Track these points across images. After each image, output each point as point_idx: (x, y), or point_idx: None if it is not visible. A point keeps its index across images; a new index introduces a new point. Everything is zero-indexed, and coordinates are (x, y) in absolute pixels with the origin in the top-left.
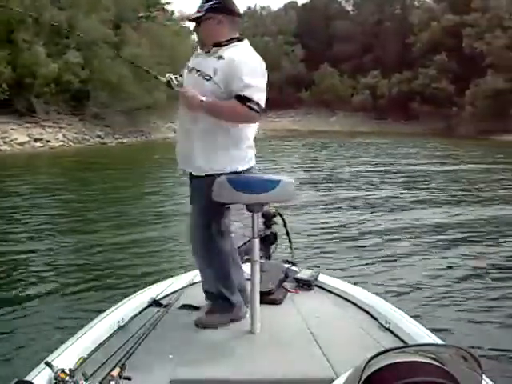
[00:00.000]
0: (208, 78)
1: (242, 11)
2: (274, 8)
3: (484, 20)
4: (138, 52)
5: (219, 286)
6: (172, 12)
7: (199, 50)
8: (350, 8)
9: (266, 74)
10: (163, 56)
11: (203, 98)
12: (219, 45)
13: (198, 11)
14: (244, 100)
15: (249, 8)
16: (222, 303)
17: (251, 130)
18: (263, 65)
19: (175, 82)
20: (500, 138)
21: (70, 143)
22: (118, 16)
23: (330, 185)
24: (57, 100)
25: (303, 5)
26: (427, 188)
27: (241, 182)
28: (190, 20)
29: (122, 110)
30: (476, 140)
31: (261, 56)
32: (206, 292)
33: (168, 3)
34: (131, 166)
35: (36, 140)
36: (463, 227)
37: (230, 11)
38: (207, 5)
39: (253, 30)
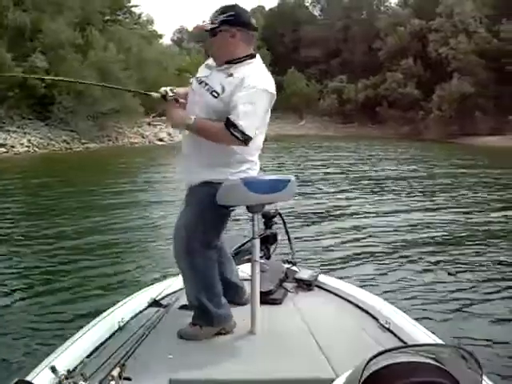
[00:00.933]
0: (216, 95)
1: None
2: None
3: (449, 25)
4: (105, 56)
5: (202, 298)
6: (139, 15)
7: (210, 61)
8: (317, 13)
9: (269, 95)
10: (130, 60)
11: (192, 119)
12: (231, 62)
13: (212, 22)
14: (229, 125)
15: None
16: (203, 316)
17: (249, 149)
18: (268, 86)
19: (170, 94)
20: (466, 141)
21: (36, 149)
22: (84, 18)
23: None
24: (21, 105)
25: (270, 9)
26: (418, 192)
27: (256, 183)
28: (205, 31)
29: (88, 114)
30: (443, 143)
31: None
32: (189, 302)
33: (135, 6)
34: (98, 172)
35: (0, 145)
36: (445, 227)
37: (245, 24)
38: (222, 17)
39: None
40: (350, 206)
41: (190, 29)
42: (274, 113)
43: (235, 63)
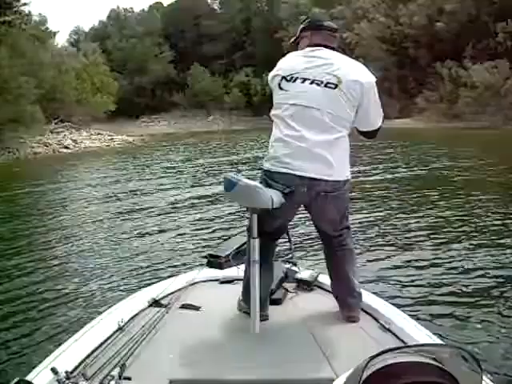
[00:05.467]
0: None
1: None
2: (138, 9)
3: (349, 12)
4: None
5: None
6: (29, 13)
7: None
8: (216, 6)
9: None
10: (25, 64)
11: None
12: None
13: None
14: None
15: (112, 10)
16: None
17: None
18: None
19: None
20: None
21: None
22: None
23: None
24: None
25: (169, 5)
26: None
27: None
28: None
29: None
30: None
31: (129, 59)
32: None
33: (25, 4)
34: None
35: None
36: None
37: None
38: None
39: (118, 32)
40: None
41: (86, 29)
42: (180, 111)
43: None
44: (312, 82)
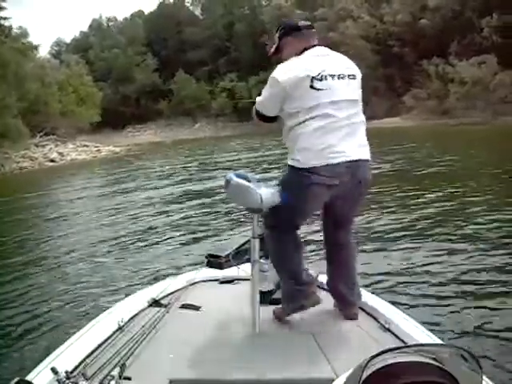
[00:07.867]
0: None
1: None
2: (120, 18)
3: (332, 13)
4: None
5: None
6: (10, 28)
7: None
8: (198, 12)
9: (273, 80)
10: (8, 75)
11: None
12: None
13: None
14: None
15: (94, 20)
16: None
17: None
18: (276, 73)
19: None
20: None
21: None
22: None
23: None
24: None
25: (151, 13)
26: None
27: None
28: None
29: None
30: None
31: (112, 69)
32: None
33: (5, 18)
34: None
35: None
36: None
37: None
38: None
39: (100, 42)
40: None
41: (68, 40)
42: (165, 119)
43: None
44: (339, 77)
